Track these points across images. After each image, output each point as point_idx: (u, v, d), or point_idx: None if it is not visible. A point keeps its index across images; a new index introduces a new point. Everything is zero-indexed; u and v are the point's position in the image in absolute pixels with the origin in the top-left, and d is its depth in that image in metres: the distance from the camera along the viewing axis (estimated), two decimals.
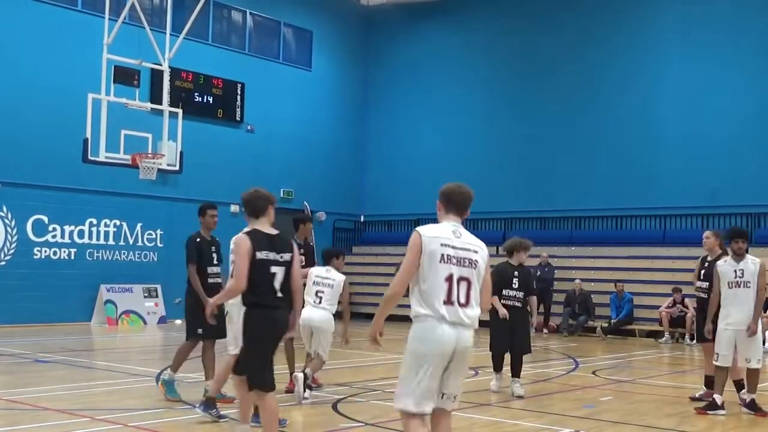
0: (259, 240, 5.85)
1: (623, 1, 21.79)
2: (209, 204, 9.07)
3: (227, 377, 7.53)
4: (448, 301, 4.70)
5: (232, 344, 7.57)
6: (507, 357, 10.01)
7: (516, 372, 9.77)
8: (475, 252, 4.86)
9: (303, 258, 9.17)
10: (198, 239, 8.77)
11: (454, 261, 4.75)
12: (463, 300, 4.74)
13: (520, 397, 9.48)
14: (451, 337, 4.68)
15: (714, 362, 8.77)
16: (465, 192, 5.00)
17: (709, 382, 9.36)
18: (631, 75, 21.27)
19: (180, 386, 8.92)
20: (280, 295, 5.84)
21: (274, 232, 6.02)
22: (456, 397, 4.89)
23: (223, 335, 8.19)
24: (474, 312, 4.79)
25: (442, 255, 4.73)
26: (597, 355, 15.10)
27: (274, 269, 5.83)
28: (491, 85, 23.69)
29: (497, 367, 9.94)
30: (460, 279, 4.75)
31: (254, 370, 5.83)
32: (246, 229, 5.98)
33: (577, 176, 21.61)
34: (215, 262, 8.73)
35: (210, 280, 8.57)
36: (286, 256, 5.93)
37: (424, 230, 4.83)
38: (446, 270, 4.72)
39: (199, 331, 8.39)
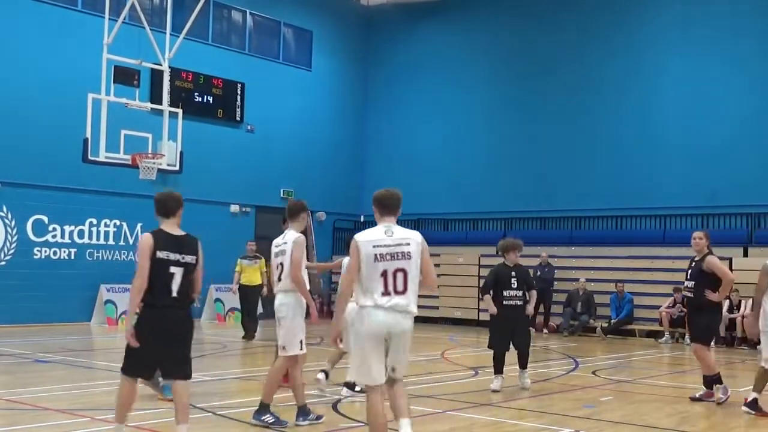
0: (161, 240, 6.06)
1: (623, 1, 21.79)
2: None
3: (277, 381, 7.60)
4: (385, 293, 5.56)
5: (283, 346, 7.57)
6: (507, 359, 10.06)
7: (523, 364, 10.14)
8: (407, 244, 5.69)
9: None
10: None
11: (388, 257, 5.59)
12: (400, 288, 5.61)
13: (525, 389, 9.93)
14: (385, 321, 5.55)
15: (762, 364, 8.67)
16: (394, 195, 5.92)
17: (708, 382, 9.38)
18: (631, 75, 21.27)
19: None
20: (175, 295, 6.02)
21: (181, 233, 6.25)
22: (399, 369, 5.69)
23: None
24: (409, 299, 5.67)
25: (376, 255, 5.56)
26: (597, 355, 15.10)
27: (173, 269, 6.02)
28: (491, 85, 23.69)
29: (497, 369, 10.04)
30: (396, 271, 5.59)
31: (131, 361, 6.12)
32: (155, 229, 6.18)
33: (577, 176, 21.61)
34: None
35: None
36: (189, 258, 6.13)
37: (359, 236, 5.71)
38: (381, 267, 5.56)
39: None
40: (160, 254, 5.96)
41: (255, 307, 16.54)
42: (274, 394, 7.57)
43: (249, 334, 16.09)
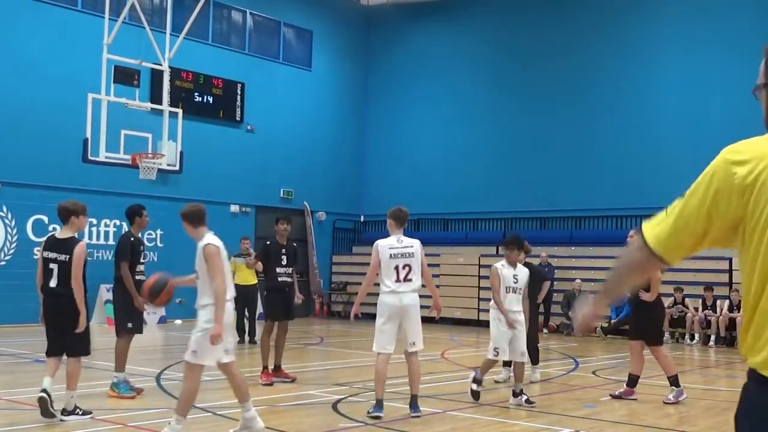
0: (48, 243, 7.88)
1: (625, 1, 21.77)
2: (142, 205, 9.79)
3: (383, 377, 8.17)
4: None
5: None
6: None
7: (534, 360, 10.82)
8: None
9: (285, 258, 10.38)
10: (132, 238, 9.29)
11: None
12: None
13: (533, 382, 10.65)
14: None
15: None
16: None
17: (632, 381, 9.64)
18: (631, 75, 21.26)
19: (179, 386, 8.89)
20: (53, 285, 7.66)
21: (66, 236, 7.87)
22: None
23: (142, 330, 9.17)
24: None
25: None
26: (597, 355, 15.10)
27: (51, 266, 7.68)
28: (492, 84, 23.69)
29: (504, 363, 10.61)
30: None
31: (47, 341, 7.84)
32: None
33: (577, 176, 21.60)
34: (142, 260, 9.39)
35: (138, 278, 9.11)
36: (62, 257, 7.67)
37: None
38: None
39: (129, 325, 9.03)
40: (45, 254, 7.73)
41: (254, 307, 15.58)
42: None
43: (251, 338, 15.25)
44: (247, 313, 15.39)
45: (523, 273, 9.28)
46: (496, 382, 10.72)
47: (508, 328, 8.90)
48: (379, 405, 7.96)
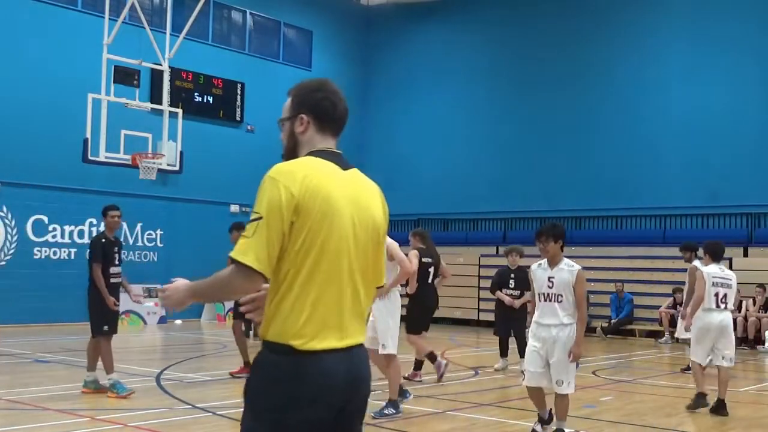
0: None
1: (626, 1, 21.77)
2: (111, 206, 9.43)
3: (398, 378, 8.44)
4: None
5: (384, 344, 8.32)
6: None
7: (522, 352, 11.03)
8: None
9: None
10: (103, 240, 9.18)
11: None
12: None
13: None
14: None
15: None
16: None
17: (418, 364, 10.59)
18: (631, 76, 21.26)
19: (179, 386, 8.91)
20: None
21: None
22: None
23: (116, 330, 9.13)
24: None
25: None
26: (597, 355, 15.10)
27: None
28: (491, 85, 23.68)
29: (502, 353, 11.98)
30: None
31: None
32: None
33: (577, 176, 21.59)
34: (117, 262, 9.22)
35: (112, 280, 9.07)
36: None
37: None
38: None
39: (105, 328, 8.95)
40: None
41: None
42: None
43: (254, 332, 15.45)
44: None
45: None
46: (495, 370, 11.71)
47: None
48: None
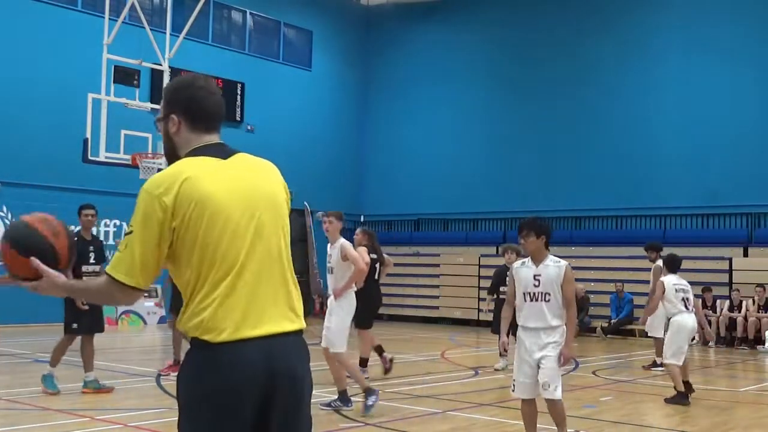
0: None
1: (625, 2, 21.77)
2: (86, 204, 9.61)
3: (353, 371, 8.53)
4: None
5: (333, 343, 8.41)
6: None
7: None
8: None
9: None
10: (75, 238, 8.97)
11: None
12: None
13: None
14: None
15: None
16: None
17: (362, 361, 10.71)
18: (631, 75, 21.26)
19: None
20: None
21: None
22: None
23: (99, 330, 9.30)
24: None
25: None
26: (597, 355, 15.10)
27: None
28: (491, 84, 23.68)
29: (502, 353, 11.69)
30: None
31: None
32: None
33: (576, 176, 21.60)
34: (92, 261, 9.26)
35: (85, 279, 8.90)
36: None
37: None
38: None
39: (74, 326, 9.10)
40: None
41: None
42: None
43: None
44: None
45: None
46: (496, 369, 11.77)
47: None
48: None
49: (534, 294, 6.31)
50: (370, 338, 10.83)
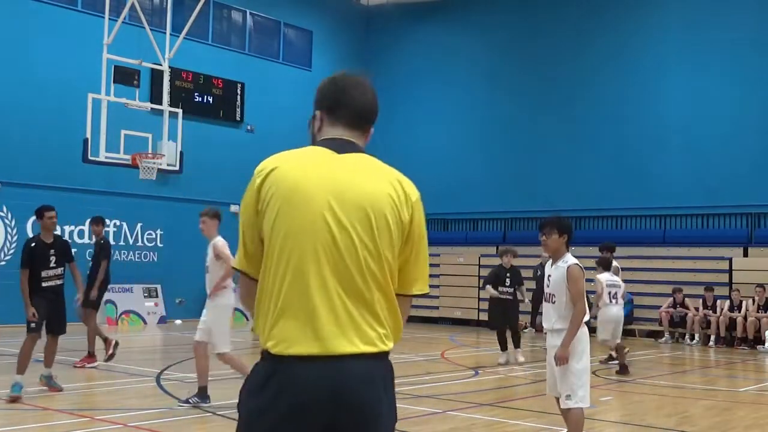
0: None
1: (623, 1, 21.77)
2: (47, 206, 9.18)
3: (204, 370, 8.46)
4: None
5: (215, 344, 8.45)
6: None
7: (516, 344, 13.13)
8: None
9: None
10: (33, 244, 9.08)
11: None
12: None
13: (520, 363, 12.69)
14: None
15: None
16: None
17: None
18: (631, 75, 21.25)
19: (179, 386, 8.90)
20: None
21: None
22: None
23: (62, 331, 9.24)
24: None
25: None
26: (597, 355, 15.10)
27: None
28: (491, 85, 23.68)
29: (502, 347, 12.94)
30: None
31: None
32: None
33: (577, 176, 21.59)
34: (52, 264, 8.97)
35: (44, 284, 8.94)
36: None
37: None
38: None
39: (32, 325, 9.03)
40: None
41: None
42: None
43: None
44: None
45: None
46: (499, 364, 12.49)
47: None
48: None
49: (546, 295, 6.26)
50: None
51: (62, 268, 9.08)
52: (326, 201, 2.44)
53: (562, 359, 6.03)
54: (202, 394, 8.29)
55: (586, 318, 6.14)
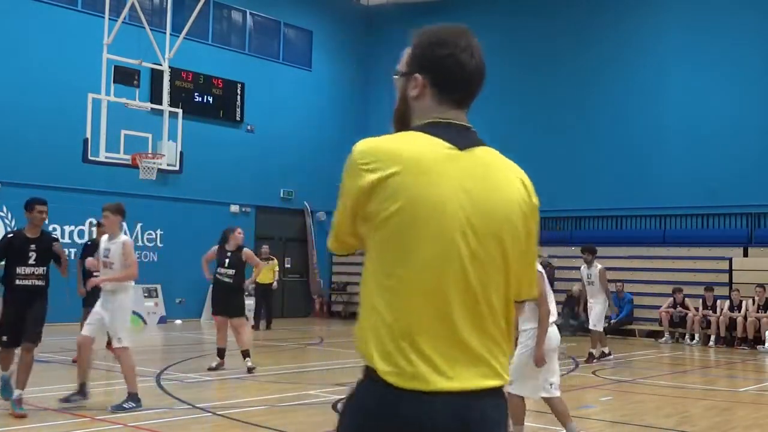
0: None
1: (625, 1, 21.77)
2: (39, 199, 8.27)
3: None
4: None
5: (120, 338, 8.32)
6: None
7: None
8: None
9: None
10: (11, 235, 8.20)
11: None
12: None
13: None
14: None
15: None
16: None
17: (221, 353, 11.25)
18: (632, 76, 21.25)
19: (179, 386, 8.90)
20: None
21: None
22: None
23: (30, 339, 7.94)
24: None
25: None
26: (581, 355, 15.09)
27: None
28: (491, 85, 23.39)
29: None
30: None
31: None
32: None
33: (577, 176, 21.58)
34: (31, 262, 8.04)
35: (18, 281, 7.96)
36: None
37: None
38: None
39: (4, 338, 7.97)
40: None
41: (270, 302, 19.24)
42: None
43: (267, 325, 18.70)
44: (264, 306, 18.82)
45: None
46: None
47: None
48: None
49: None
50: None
51: (44, 268, 8.16)
52: (459, 223, 2.09)
53: (539, 360, 6.49)
54: (135, 397, 8.05)
55: (553, 318, 6.58)
